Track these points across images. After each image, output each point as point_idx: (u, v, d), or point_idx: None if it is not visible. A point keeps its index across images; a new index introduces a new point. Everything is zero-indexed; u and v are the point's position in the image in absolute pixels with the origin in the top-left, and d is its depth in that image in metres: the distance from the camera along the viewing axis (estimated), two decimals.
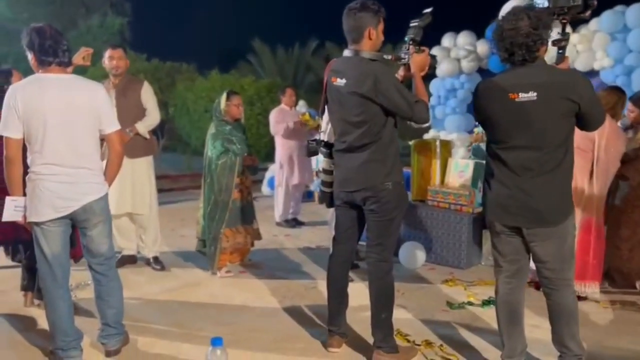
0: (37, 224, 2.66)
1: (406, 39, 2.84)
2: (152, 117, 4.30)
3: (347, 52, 2.77)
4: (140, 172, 4.24)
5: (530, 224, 2.43)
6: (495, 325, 3.30)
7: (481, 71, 7.48)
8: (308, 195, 7.38)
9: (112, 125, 2.77)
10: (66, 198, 2.64)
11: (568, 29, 2.73)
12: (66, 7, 17.71)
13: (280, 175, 6.25)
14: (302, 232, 6.08)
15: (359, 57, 2.70)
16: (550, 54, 2.46)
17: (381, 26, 2.72)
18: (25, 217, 2.67)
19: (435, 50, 7.18)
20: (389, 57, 2.81)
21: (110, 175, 2.82)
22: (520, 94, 2.34)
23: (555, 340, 2.55)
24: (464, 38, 7.13)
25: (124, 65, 4.12)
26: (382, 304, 2.81)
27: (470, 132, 7.55)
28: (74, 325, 2.82)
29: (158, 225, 4.56)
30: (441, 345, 3.08)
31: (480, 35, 7.17)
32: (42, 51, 2.60)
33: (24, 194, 2.67)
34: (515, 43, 2.34)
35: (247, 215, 4.42)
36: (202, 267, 4.53)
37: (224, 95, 4.34)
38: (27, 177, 2.66)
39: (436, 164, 4.97)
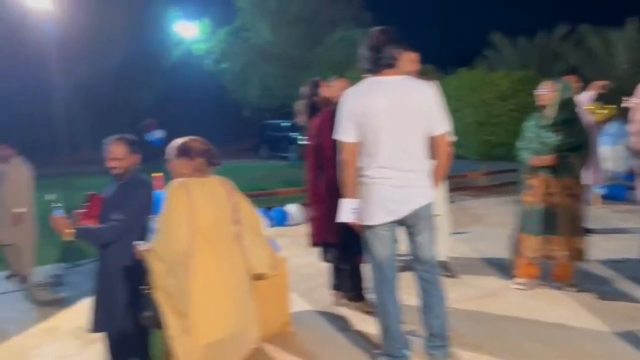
0: (369, 227, 2.65)
1: None
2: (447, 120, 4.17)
3: None
4: None
5: None
6: None
7: None
8: None
9: (442, 126, 2.63)
10: (398, 202, 2.58)
11: None
12: (315, 25, 19.20)
13: None
14: (597, 241, 5.23)
15: None
16: None
17: None
18: (358, 219, 2.69)
19: None
20: None
21: (438, 178, 2.69)
22: None
23: None
24: None
25: (417, 69, 4.00)
26: None
27: None
28: (402, 332, 2.76)
29: (450, 227, 4.37)
30: None
31: None
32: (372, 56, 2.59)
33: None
34: None
35: (558, 223, 3.71)
36: (491, 275, 4.27)
37: None
38: (359, 181, 2.67)
39: None
